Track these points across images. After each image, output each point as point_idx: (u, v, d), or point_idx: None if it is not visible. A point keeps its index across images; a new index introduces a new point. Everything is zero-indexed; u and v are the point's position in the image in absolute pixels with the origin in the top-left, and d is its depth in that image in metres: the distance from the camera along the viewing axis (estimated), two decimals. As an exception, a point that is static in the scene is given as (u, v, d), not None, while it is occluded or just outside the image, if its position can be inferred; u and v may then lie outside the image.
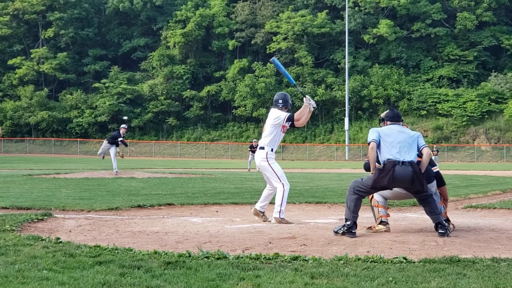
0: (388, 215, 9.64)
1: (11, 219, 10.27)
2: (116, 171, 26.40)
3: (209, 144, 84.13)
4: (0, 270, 6.31)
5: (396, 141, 9.02)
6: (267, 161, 10.75)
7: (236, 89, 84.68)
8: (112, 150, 26.94)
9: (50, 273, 6.18)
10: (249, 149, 40.04)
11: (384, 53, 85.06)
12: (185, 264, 6.61)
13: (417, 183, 8.79)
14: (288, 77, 11.52)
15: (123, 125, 27.52)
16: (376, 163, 9.00)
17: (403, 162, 8.80)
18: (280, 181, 10.75)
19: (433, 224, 9.10)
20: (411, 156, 8.91)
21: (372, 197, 9.65)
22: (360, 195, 9.16)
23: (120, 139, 26.84)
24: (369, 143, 9.13)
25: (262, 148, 10.84)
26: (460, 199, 15.64)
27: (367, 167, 9.42)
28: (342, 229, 8.99)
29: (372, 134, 9.19)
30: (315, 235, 9.16)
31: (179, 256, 7.07)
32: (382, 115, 9.71)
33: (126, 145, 28.33)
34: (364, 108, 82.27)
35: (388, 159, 8.88)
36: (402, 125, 9.50)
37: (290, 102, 11.03)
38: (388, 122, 9.44)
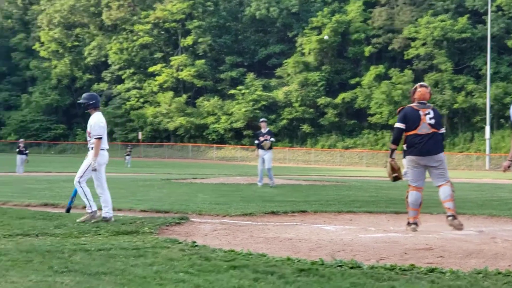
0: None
1: (149, 222, 10.62)
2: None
3: (344, 151, 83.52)
4: (139, 271, 6.53)
5: None
6: None
7: (372, 96, 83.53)
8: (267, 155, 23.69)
9: (186, 276, 6.33)
10: None
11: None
12: (318, 272, 6.58)
13: None
14: None
15: (262, 119, 25.35)
16: None
17: None
18: None
19: None
20: None
21: None
22: None
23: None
24: None
25: None
26: None
27: None
28: None
29: None
30: (453, 246, 8.88)
31: (312, 263, 7.06)
32: None
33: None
34: (506, 116, 78.86)
35: None
36: None
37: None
38: None
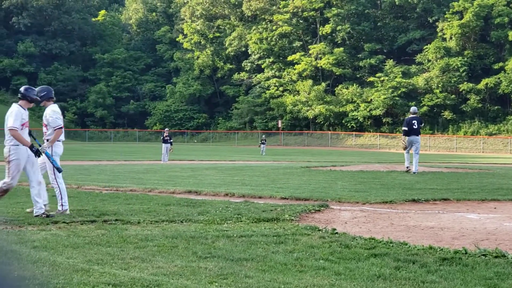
0: None
1: (290, 209, 10.76)
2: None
3: (487, 138, 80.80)
4: (279, 257, 6.65)
5: None
6: None
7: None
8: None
9: (326, 263, 6.39)
10: None
11: None
12: (461, 261, 6.47)
13: None
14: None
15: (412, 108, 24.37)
16: None
17: None
18: None
19: None
20: None
21: None
22: None
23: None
24: None
25: None
26: None
27: None
28: None
29: None
30: None
31: (455, 252, 6.94)
32: None
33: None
34: None
35: None
36: None
37: None
38: None
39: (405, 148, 23.26)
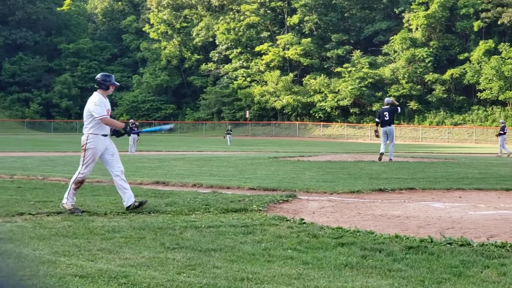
0: None
1: (258, 200, 10.78)
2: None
3: (452, 128, 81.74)
4: (248, 248, 6.67)
5: None
6: None
7: (481, 71, 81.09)
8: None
9: (294, 253, 6.42)
10: None
11: None
12: (427, 250, 6.54)
13: None
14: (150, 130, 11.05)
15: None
16: None
17: None
18: None
19: None
20: None
21: None
22: None
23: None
24: None
25: None
26: None
27: None
28: None
29: None
30: None
31: (421, 241, 7.02)
32: None
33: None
34: None
35: None
36: None
37: None
38: None
39: (377, 136, 24.44)
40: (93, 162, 10.10)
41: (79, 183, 10.01)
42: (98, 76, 10.33)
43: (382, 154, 23.80)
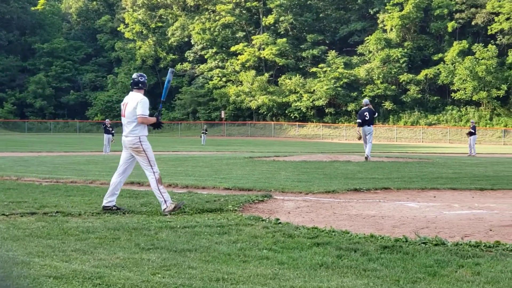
0: None
1: (233, 200, 10.77)
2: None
3: (427, 128, 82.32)
4: (223, 248, 6.66)
5: None
6: None
7: (455, 72, 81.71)
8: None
9: (269, 253, 6.41)
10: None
11: None
12: (402, 249, 6.57)
13: None
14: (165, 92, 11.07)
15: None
16: None
17: None
18: None
19: None
20: None
21: None
22: None
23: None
24: None
25: None
26: None
27: None
28: None
29: None
30: (540, 224, 8.68)
31: (396, 240, 7.05)
32: None
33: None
34: None
35: None
36: None
37: None
38: None
39: (359, 138, 24.98)
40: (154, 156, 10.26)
41: (160, 180, 10.00)
42: (137, 76, 10.48)
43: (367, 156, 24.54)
